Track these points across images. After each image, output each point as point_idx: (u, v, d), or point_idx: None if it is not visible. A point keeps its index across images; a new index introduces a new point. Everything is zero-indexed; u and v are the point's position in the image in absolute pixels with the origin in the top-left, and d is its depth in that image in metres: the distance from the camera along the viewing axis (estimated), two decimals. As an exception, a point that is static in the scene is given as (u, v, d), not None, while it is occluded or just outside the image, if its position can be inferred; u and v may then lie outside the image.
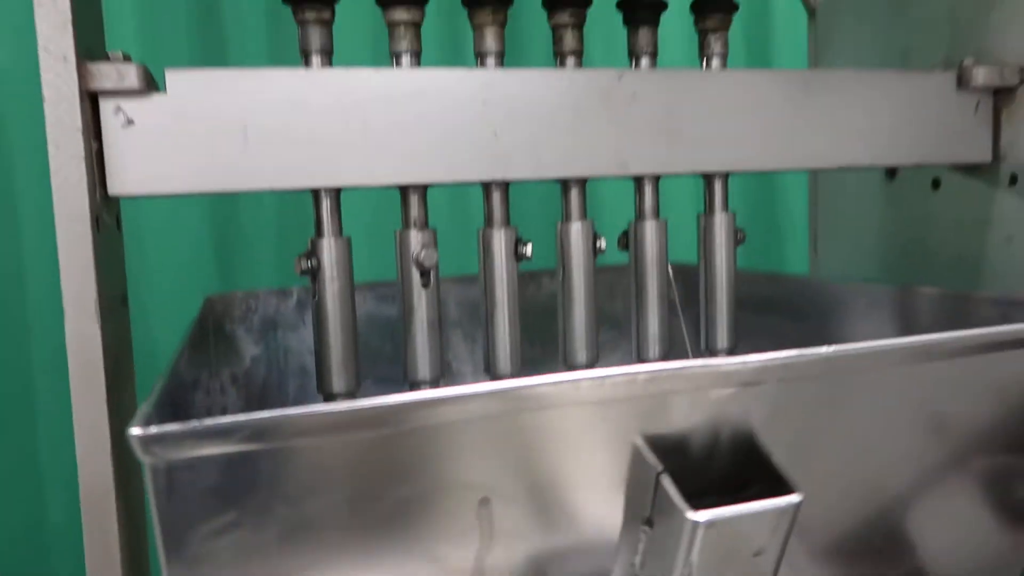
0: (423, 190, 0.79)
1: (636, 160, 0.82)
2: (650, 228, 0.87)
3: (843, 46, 1.21)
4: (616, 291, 1.24)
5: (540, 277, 1.27)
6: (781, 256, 1.82)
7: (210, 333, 1.09)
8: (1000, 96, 0.95)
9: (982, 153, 0.95)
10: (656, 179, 0.87)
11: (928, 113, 0.93)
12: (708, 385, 0.53)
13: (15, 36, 1.31)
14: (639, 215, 0.87)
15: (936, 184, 1.06)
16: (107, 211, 0.70)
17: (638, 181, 0.86)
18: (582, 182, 0.84)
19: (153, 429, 0.46)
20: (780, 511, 0.51)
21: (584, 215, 0.84)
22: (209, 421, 0.45)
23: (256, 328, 1.18)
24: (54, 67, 0.63)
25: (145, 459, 0.46)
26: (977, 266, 1.00)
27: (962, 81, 0.93)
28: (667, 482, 0.50)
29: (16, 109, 1.33)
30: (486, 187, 0.81)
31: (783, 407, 0.56)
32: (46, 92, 0.63)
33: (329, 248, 0.77)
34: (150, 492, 0.47)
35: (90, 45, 0.68)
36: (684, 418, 0.53)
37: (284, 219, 1.50)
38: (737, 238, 0.90)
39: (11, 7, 1.32)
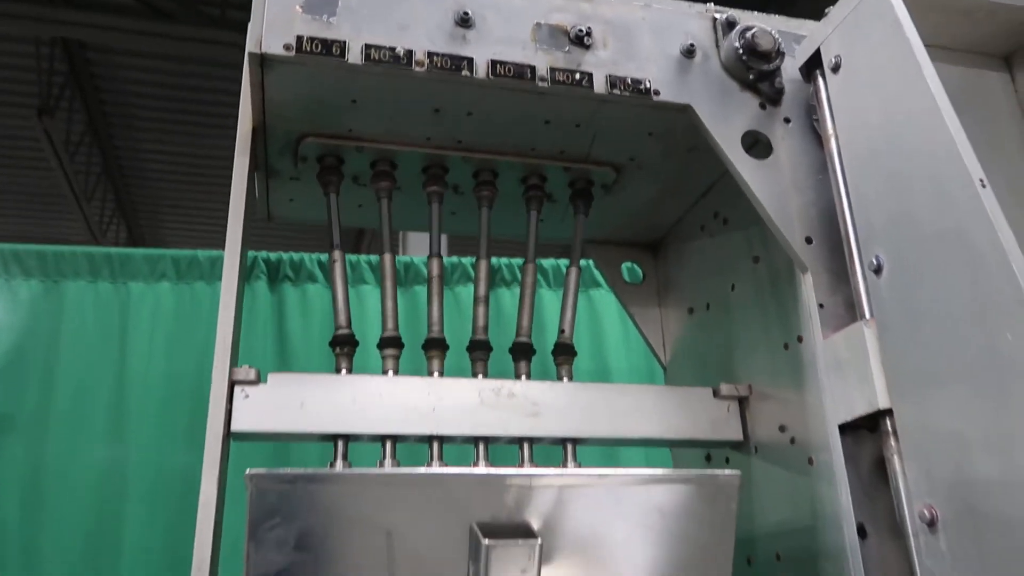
0: (393, 442, 1.44)
1: (514, 428, 1.47)
2: (527, 471, 1.49)
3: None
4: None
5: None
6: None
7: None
8: (742, 401, 1.60)
9: (736, 434, 1.58)
10: (531, 442, 1.50)
11: (699, 411, 1.58)
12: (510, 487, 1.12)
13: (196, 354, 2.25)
14: (520, 462, 1.49)
15: (727, 460, 1.67)
16: (226, 441, 1.36)
17: (519, 442, 1.50)
18: (486, 441, 1.48)
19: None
20: (530, 545, 1.06)
21: (487, 463, 1.47)
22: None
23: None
24: (218, 368, 1.35)
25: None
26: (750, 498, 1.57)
27: (716, 393, 1.60)
28: (475, 528, 1.07)
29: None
30: (429, 441, 1.46)
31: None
32: (213, 380, 1.34)
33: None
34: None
35: (233, 359, 1.40)
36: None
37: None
38: (583, 481, 1.51)
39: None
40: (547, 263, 3.16)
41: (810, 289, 1.42)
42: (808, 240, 1.45)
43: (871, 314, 1.31)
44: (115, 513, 2.38)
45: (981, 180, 1.11)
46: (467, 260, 3.06)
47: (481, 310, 1.60)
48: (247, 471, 1.07)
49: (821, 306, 1.41)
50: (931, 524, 1.12)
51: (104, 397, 2.61)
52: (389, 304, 1.55)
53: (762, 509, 1.54)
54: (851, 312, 1.40)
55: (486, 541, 1.07)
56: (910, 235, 1.23)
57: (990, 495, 1.04)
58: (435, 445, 1.45)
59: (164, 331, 2.73)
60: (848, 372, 1.32)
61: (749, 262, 1.64)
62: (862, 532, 1.28)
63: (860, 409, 1.28)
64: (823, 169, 1.50)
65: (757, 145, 1.53)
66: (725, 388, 1.59)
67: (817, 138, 1.54)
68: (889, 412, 1.24)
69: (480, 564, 1.08)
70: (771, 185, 1.48)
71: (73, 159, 8.09)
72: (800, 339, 1.45)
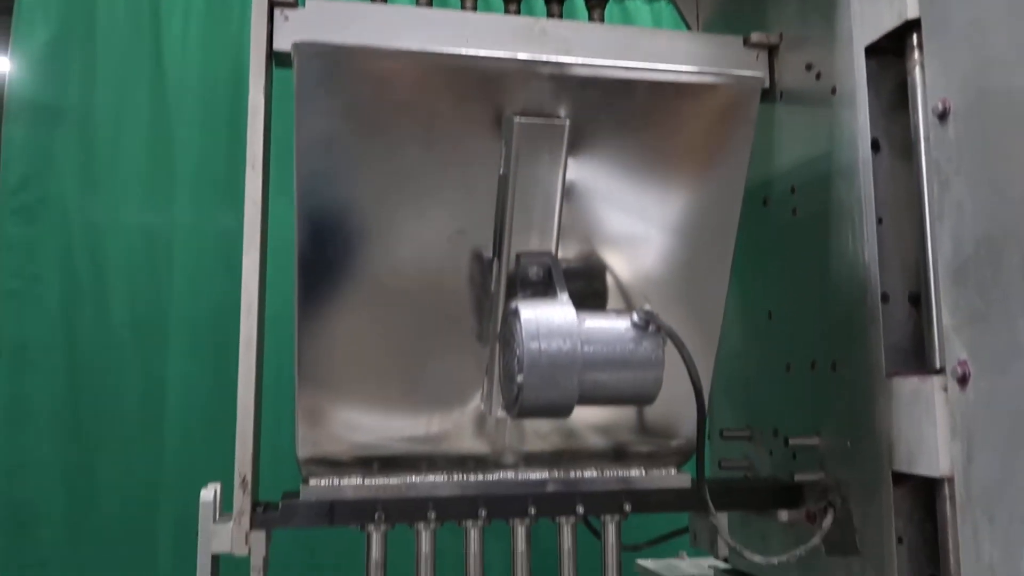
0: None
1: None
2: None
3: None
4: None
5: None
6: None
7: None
8: (772, 50, 1.62)
9: (764, 78, 1.61)
10: (561, 81, 1.55)
11: (728, 57, 1.60)
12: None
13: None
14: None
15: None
16: (269, 61, 1.42)
17: (550, 80, 1.55)
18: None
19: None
20: (558, 125, 1.14)
21: (518, 95, 1.53)
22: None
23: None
24: (257, -9, 1.38)
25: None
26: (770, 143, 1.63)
27: (746, 42, 1.61)
28: (509, 112, 1.15)
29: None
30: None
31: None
32: (253, 5, 1.37)
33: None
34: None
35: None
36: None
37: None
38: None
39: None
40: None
41: (852, -85, 1.39)
42: None
43: (911, -73, 1.28)
44: (165, 193, 2.54)
45: None
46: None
47: (514, -50, 1.59)
48: (292, 41, 1.13)
49: (861, -68, 1.38)
50: (943, 116, 1.17)
51: (144, 89, 2.68)
52: (423, -57, 1.55)
53: (781, 151, 1.61)
54: (891, -63, 1.37)
55: (518, 118, 1.14)
56: None
57: (1002, 74, 1.08)
58: (468, 75, 1.51)
59: (197, 24, 2.73)
60: (881, -10, 1.32)
61: (794, -91, 1.59)
62: (876, 146, 1.34)
63: (889, 24, 1.29)
64: None
65: None
66: (756, 36, 1.60)
67: None
68: (917, 24, 1.26)
69: (512, 143, 1.16)
70: None
71: None
72: (836, -29, 1.44)
